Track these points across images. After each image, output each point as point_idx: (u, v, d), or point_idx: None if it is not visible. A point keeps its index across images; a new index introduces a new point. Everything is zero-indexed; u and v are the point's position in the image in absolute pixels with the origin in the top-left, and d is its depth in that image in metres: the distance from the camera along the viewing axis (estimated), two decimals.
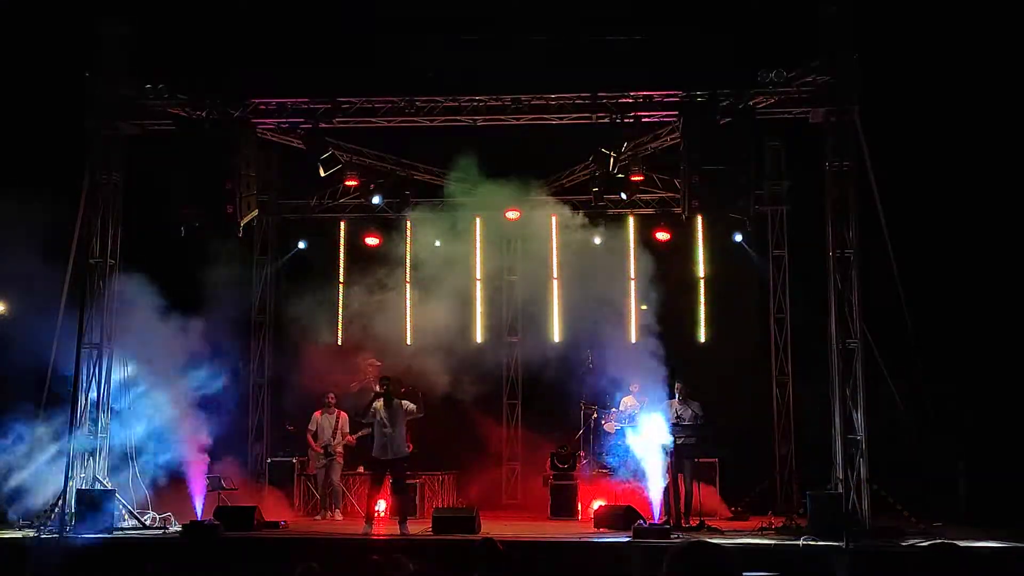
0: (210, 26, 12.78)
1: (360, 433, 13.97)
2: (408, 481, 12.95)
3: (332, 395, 14.49)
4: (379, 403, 12.14)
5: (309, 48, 12.86)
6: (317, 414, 14.43)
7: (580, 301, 15.76)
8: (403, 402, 12.23)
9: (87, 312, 12.70)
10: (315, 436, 14.32)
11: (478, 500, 14.18)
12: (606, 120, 13.21)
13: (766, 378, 15.29)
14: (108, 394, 12.81)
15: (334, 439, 14.18)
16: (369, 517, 12.04)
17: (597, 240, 15.37)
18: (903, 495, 11.80)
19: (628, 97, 13.00)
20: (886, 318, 12.24)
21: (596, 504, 13.21)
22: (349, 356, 15.68)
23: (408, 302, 15.99)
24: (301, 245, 16.09)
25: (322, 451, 14.16)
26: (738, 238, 15.14)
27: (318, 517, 13.91)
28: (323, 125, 13.36)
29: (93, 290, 12.80)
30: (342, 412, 14.37)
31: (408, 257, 16.03)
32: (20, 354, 12.63)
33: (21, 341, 12.74)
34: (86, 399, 12.62)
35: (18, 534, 11.31)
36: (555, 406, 15.35)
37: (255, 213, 13.28)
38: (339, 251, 16.26)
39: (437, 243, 15.79)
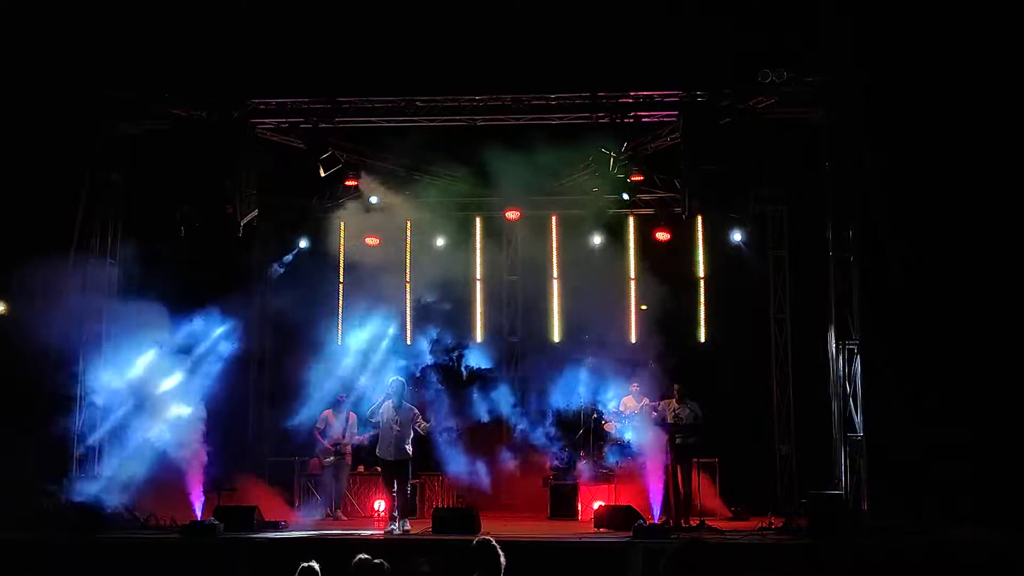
0: (210, 26, 12.78)
1: (368, 436, 13.99)
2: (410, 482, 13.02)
3: (343, 395, 14.49)
4: (388, 404, 12.21)
5: (309, 48, 12.87)
6: (328, 412, 14.37)
7: (580, 301, 15.79)
8: (414, 408, 12.38)
9: (87, 311, 12.71)
10: (322, 434, 14.29)
11: (478, 500, 14.17)
12: (606, 120, 13.23)
13: (766, 378, 15.28)
14: (108, 393, 12.83)
15: (344, 438, 14.11)
16: (393, 517, 12.06)
17: (597, 240, 15.37)
18: (903, 495, 11.79)
19: (628, 97, 13.02)
20: (886, 318, 12.23)
21: (596, 504, 13.21)
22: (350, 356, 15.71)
23: (409, 301, 16.00)
24: (302, 244, 16.04)
25: (333, 449, 14.09)
26: (737, 237, 15.10)
27: (320, 517, 13.82)
28: (323, 125, 13.38)
29: (93, 290, 12.82)
30: (351, 413, 14.35)
31: (408, 256, 16.03)
32: (20, 354, 12.62)
33: (21, 341, 12.74)
34: (86, 398, 12.63)
35: (18, 535, 11.29)
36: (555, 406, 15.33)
37: (255, 213, 13.29)
38: (339, 251, 16.22)
39: (440, 242, 15.78)
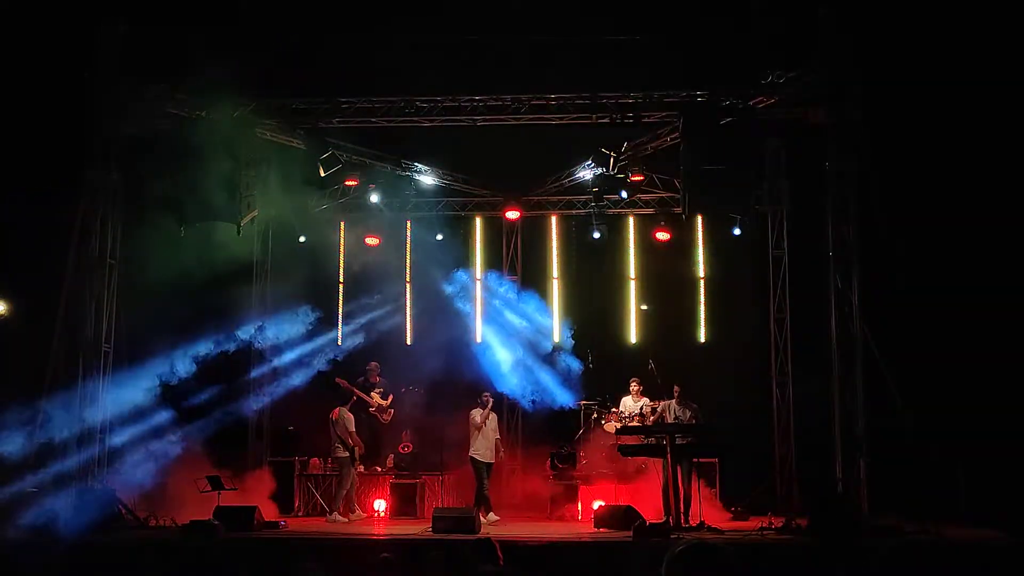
0: (210, 26, 12.77)
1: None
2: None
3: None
4: (490, 412, 13.74)
5: (309, 48, 12.87)
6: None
7: (580, 301, 15.80)
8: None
9: (87, 312, 12.71)
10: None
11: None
12: (606, 120, 13.23)
13: (766, 378, 15.27)
14: (108, 394, 12.83)
15: (350, 440, 14.04)
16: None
17: (596, 239, 15.36)
18: (903, 495, 11.79)
19: (628, 97, 13.02)
20: (886, 318, 12.23)
21: (596, 504, 13.21)
22: (349, 356, 15.72)
23: (408, 301, 16.03)
24: (301, 240, 15.98)
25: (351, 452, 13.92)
26: (737, 232, 15.00)
27: (343, 519, 13.54)
28: (323, 125, 13.38)
29: (92, 290, 12.81)
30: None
31: (408, 256, 16.06)
32: (20, 354, 12.63)
33: (21, 341, 12.75)
34: (86, 398, 12.63)
35: (18, 535, 11.28)
36: (555, 406, 15.33)
37: (255, 213, 13.31)
38: (339, 251, 16.24)
39: (439, 236, 15.78)
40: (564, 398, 15.01)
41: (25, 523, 11.66)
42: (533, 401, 15.25)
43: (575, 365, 15.19)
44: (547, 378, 15.29)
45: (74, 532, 11.32)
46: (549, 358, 15.46)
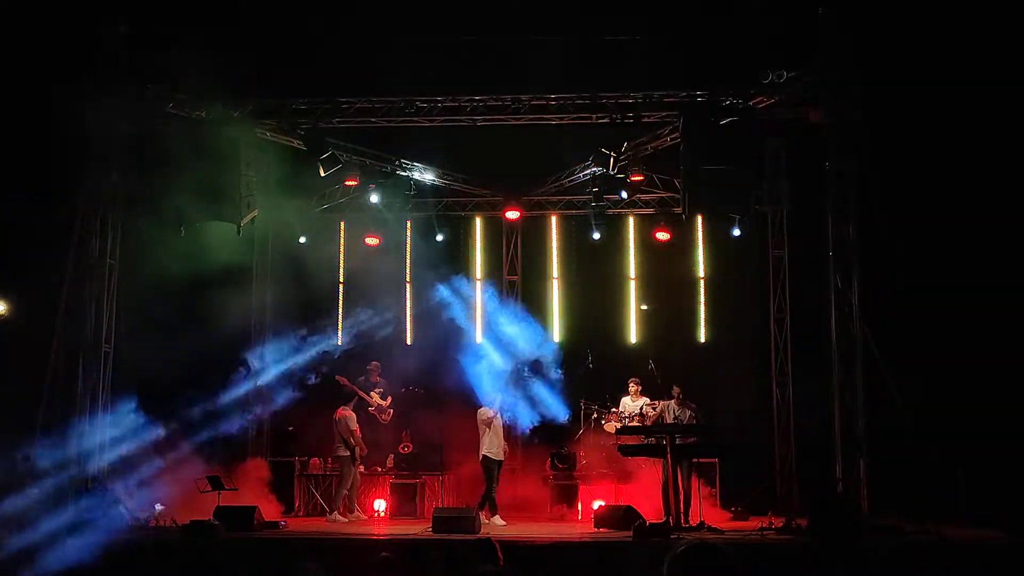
0: (210, 26, 12.77)
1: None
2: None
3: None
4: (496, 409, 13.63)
5: (309, 48, 12.87)
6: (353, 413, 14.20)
7: (580, 301, 15.80)
8: None
9: (87, 312, 12.70)
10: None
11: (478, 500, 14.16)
12: (606, 120, 13.23)
13: (766, 378, 15.28)
14: (108, 394, 12.83)
15: (352, 440, 14.04)
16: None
17: (596, 239, 15.37)
18: (903, 495, 11.79)
19: (628, 97, 13.01)
20: (886, 318, 12.23)
21: (596, 504, 13.21)
22: (349, 356, 15.72)
23: (408, 301, 16.04)
24: (302, 240, 15.98)
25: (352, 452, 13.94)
26: (737, 232, 14.99)
27: (343, 519, 13.58)
28: (323, 125, 13.38)
29: (92, 290, 12.80)
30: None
31: (408, 256, 16.08)
32: (20, 355, 12.62)
33: (21, 341, 12.73)
34: (86, 399, 12.62)
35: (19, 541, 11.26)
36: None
37: (255, 213, 13.30)
38: (339, 251, 16.25)
39: (439, 236, 15.78)
40: (525, 419, 14.70)
41: (26, 529, 11.66)
42: (511, 416, 15.17)
43: (548, 389, 14.99)
44: (519, 395, 15.12)
45: (77, 536, 11.33)
46: (529, 377, 15.31)
